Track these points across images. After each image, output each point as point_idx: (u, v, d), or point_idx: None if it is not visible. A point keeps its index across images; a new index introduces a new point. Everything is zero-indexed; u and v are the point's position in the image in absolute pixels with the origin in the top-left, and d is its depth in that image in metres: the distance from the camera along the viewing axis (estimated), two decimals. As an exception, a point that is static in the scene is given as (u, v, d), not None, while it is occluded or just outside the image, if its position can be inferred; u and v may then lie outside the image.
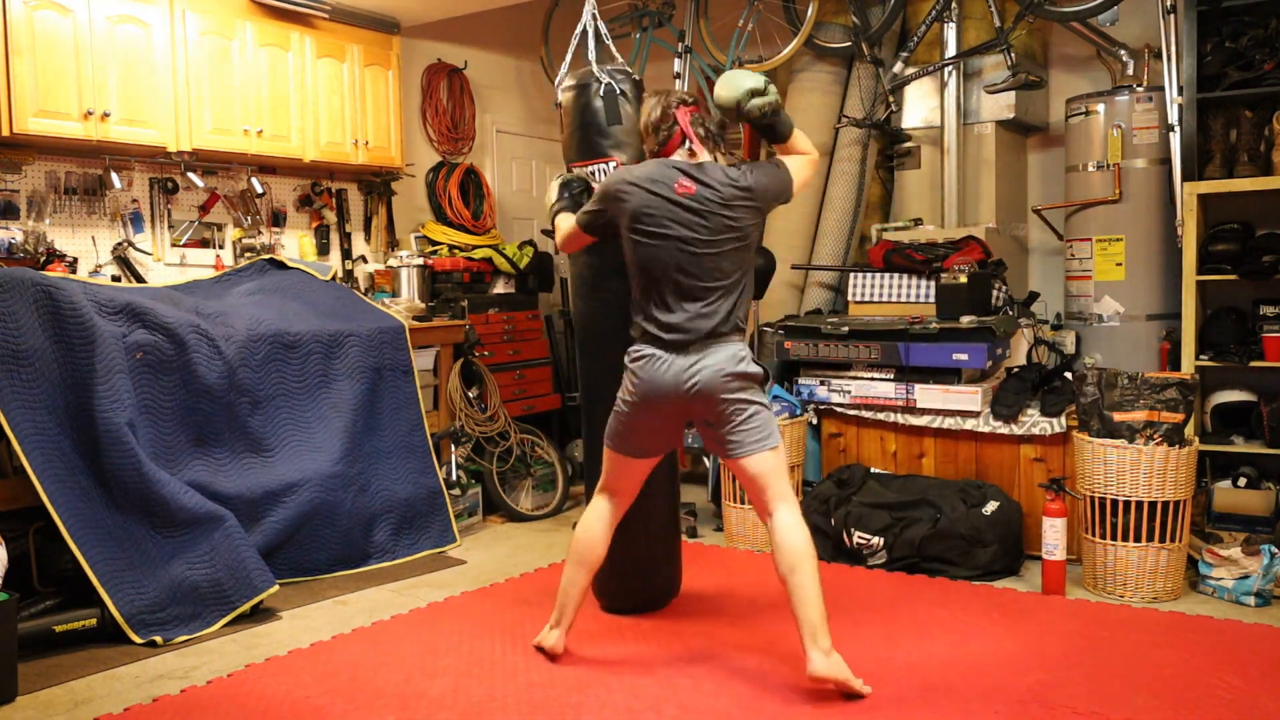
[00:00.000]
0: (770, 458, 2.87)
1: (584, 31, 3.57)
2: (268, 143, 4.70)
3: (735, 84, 2.92)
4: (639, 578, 3.50)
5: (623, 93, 3.39)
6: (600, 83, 3.37)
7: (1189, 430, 3.72)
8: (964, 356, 4.12)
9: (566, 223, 3.16)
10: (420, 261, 5.27)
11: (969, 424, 4.15)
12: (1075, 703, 2.71)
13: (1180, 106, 4.24)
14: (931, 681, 2.86)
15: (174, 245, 4.65)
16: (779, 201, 3.01)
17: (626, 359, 2.97)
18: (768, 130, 3.00)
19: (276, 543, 3.83)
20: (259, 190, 4.86)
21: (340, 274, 5.19)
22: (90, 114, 4.03)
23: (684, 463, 5.93)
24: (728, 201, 2.86)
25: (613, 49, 3.67)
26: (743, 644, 3.18)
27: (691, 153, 2.94)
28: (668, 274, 2.86)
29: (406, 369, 4.46)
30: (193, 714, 2.75)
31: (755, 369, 2.89)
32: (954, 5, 4.97)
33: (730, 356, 2.85)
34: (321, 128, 4.92)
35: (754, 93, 2.90)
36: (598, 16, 3.55)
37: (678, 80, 5.28)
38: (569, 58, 3.63)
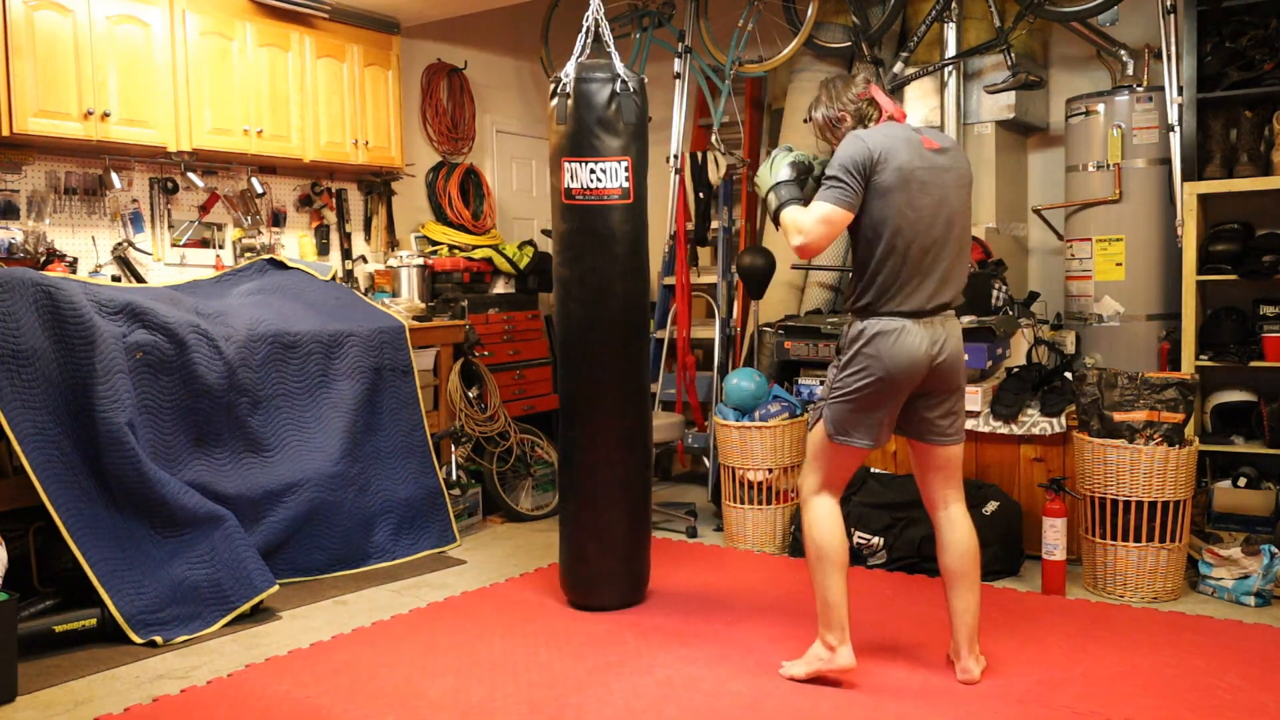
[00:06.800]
0: (961, 450, 2.91)
1: (588, 30, 3.57)
2: (268, 143, 4.70)
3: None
4: (607, 573, 3.54)
5: (631, 91, 3.40)
6: (610, 80, 3.38)
7: (1189, 430, 3.72)
8: (964, 356, 4.10)
9: (810, 213, 2.71)
10: (420, 261, 5.28)
11: (969, 424, 4.14)
12: (1075, 703, 2.71)
13: (1180, 106, 4.24)
14: (931, 681, 2.86)
15: (174, 245, 4.65)
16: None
17: (859, 337, 2.76)
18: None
19: (276, 543, 3.83)
20: (259, 190, 4.86)
21: (340, 274, 5.19)
22: (90, 114, 4.03)
23: (683, 462, 5.93)
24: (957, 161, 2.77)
25: (611, 48, 3.67)
26: (743, 644, 3.18)
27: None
28: (922, 238, 2.69)
29: (406, 369, 4.46)
30: (193, 714, 2.75)
31: None
32: (954, 5, 4.96)
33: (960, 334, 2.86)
34: (321, 128, 4.92)
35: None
36: (602, 19, 3.54)
37: (678, 80, 5.28)
38: (575, 57, 3.63)
